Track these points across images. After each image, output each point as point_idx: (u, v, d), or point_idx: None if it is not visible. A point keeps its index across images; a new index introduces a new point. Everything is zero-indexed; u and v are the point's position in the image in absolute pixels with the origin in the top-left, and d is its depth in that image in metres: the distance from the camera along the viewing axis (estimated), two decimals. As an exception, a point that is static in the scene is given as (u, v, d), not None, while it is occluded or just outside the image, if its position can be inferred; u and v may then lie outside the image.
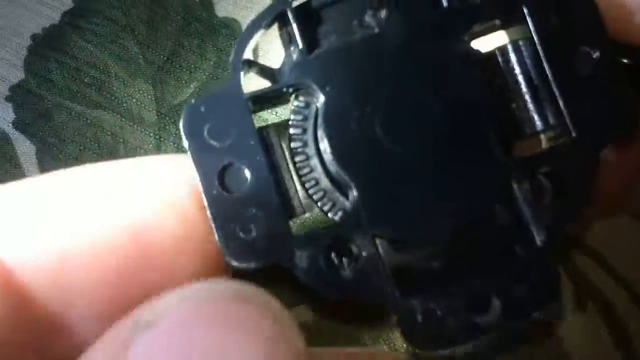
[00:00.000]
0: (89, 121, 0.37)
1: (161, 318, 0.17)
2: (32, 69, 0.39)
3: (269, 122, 0.24)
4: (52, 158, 0.37)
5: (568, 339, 0.34)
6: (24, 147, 0.37)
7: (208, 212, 0.22)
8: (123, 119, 0.37)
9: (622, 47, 0.23)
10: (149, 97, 0.38)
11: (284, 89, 0.23)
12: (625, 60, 0.24)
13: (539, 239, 0.22)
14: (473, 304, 0.21)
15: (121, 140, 0.37)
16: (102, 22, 0.40)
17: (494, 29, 0.24)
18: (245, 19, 0.41)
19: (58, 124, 0.37)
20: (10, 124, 0.37)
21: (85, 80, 0.38)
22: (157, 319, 0.17)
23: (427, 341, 0.22)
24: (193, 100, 0.22)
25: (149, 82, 0.38)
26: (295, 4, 0.23)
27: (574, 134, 0.22)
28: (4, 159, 0.37)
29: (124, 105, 0.38)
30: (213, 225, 0.22)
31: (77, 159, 0.37)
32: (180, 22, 0.35)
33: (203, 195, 0.22)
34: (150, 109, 0.38)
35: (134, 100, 0.38)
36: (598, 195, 0.26)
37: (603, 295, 0.35)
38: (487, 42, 0.24)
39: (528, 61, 0.23)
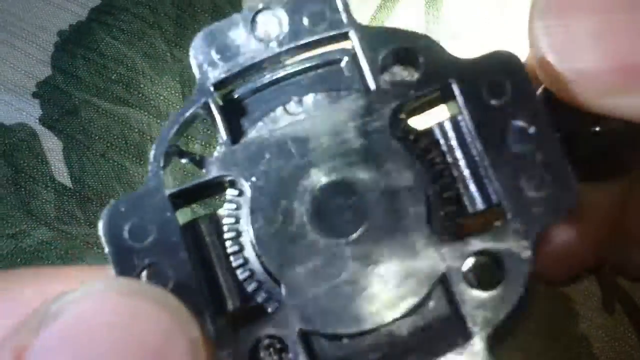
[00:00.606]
0: (116, 118, 0.37)
1: (65, 310, 0.17)
2: (58, 65, 0.39)
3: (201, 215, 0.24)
4: (79, 155, 0.36)
5: (595, 339, 0.34)
6: (51, 144, 0.37)
7: None
8: (150, 116, 0.37)
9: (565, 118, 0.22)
10: (176, 94, 0.38)
11: (208, 184, 0.22)
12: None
13: (473, 330, 0.21)
14: None
15: (148, 138, 0.37)
16: (129, 19, 0.40)
17: (431, 105, 0.23)
18: (272, 18, 0.41)
19: (85, 121, 0.37)
20: (37, 120, 0.37)
21: (113, 77, 0.38)
22: (59, 314, 0.17)
23: None
24: (112, 201, 0.22)
25: (177, 79, 0.38)
26: (217, 93, 0.23)
27: (509, 216, 0.21)
28: (31, 154, 0.37)
29: (152, 102, 0.38)
30: None
31: (104, 156, 0.37)
32: (208, 20, 0.34)
33: None
34: (178, 107, 0.38)
35: (161, 97, 0.38)
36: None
37: (631, 297, 0.35)
38: (428, 119, 0.24)
39: (467, 138, 0.22)
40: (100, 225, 0.22)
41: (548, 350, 0.33)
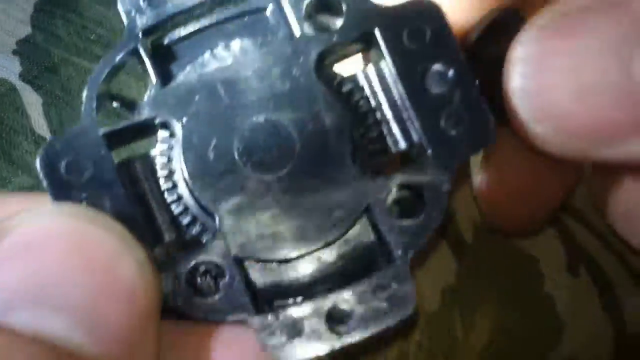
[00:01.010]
0: (94, 76, 0.38)
1: (15, 229, 0.18)
2: (38, 24, 0.39)
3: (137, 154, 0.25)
4: (58, 109, 0.37)
5: (560, 300, 0.35)
6: (31, 98, 0.37)
7: None
8: (129, 76, 0.38)
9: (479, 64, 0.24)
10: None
11: (139, 125, 0.23)
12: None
13: (396, 254, 0.22)
14: (332, 316, 0.22)
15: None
16: (110, -20, 0.40)
17: (355, 52, 0.24)
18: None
19: (64, 78, 0.38)
20: (18, 76, 0.38)
21: (92, 37, 0.39)
22: (13, 229, 0.18)
23: (287, 354, 0.22)
24: (48, 139, 0.23)
25: (156, 41, 0.39)
26: (145, 40, 0.24)
27: (429, 151, 0.22)
28: (12, 107, 0.37)
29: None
30: None
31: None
32: None
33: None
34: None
35: (140, 58, 0.39)
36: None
37: (595, 260, 0.36)
38: (353, 65, 0.25)
39: (389, 82, 0.24)
40: (38, 161, 0.22)
41: (513, 309, 0.34)
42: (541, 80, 0.22)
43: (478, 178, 0.30)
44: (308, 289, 0.23)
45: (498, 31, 0.24)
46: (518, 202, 0.30)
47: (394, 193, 0.23)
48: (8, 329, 0.17)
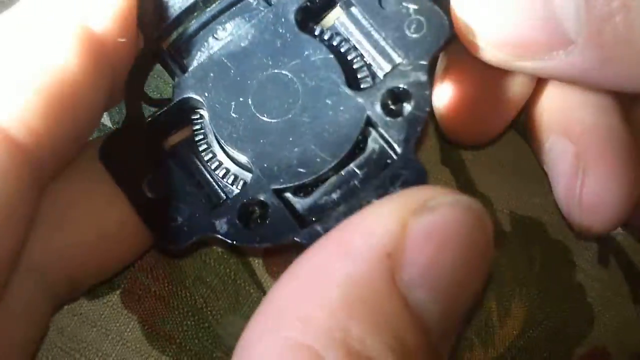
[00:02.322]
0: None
1: (439, 207, 0.21)
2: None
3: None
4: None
5: (591, 290, 0.36)
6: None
7: (139, 216, 0.27)
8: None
9: None
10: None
11: (172, 109, 0.28)
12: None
13: (399, 149, 0.25)
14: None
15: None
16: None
17: (326, 8, 0.29)
18: None
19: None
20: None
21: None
22: (436, 208, 0.21)
23: None
24: (104, 136, 0.28)
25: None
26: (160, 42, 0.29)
27: (400, 59, 0.26)
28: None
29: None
30: (146, 225, 0.27)
31: None
32: None
33: (132, 206, 0.27)
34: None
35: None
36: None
37: (624, 251, 0.37)
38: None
39: (359, 20, 0.28)
40: (99, 155, 0.27)
41: (546, 298, 0.35)
42: None
43: (437, 97, 0.33)
44: (340, 200, 0.26)
45: None
46: (474, 114, 0.33)
47: (383, 97, 0.26)
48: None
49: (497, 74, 0.29)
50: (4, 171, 0.22)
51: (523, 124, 0.36)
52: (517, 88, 0.32)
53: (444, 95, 0.32)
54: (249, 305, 0.33)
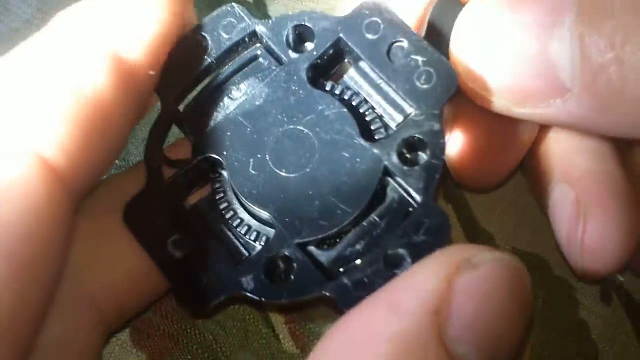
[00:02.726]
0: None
1: (482, 265, 0.22)
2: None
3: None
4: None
5: (594, 326, 0.36)
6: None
7: (166, 277, 0.27)
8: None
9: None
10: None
11: (192, 169, 0.29)
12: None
13: (419, 197, 0.26)
14: (390, 263, 0.25)
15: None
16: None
17: (336, 60, 0.29)
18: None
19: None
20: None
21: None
22: (479, 265, 0.22)
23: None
24: (130, 198, 0.28)
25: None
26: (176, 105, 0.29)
27: (412, 109, 0.27)
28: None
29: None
30: (172, 285, 0.28)
31: None
32: None
33: (158, 267, 0.27)
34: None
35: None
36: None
37: (626, 289, 0.37)
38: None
39: (368, 73, 0.29)
40: (123, 218, 0.28)
41: (550, 334, 0.36)
42: (476, 43, 0.27)
43: (447, 144, 0.34)
44: (364, 250, 0.27)
45: (446, 10, 0.29)
46: (483, 160, 0.34)
47: (399, 147, 0.26)
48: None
49: (504, 119, 0.30)
50: (44, 196, 0.23)
51: (524, 166, 0.37)
52: (524, 132, 0.33)
53: (454, 142, 0.33)
54: (258, 341, 0.34)
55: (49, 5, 0.45)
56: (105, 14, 0.26)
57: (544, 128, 0.33)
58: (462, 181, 0.36)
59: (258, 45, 0.30)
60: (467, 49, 0.28)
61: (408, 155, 0.27)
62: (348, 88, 0.29)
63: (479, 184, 0.36)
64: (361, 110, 0.28)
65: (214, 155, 0.28)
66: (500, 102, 0.28)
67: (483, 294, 0.22)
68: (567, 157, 0.32)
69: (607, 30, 0.24)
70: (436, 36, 0.29)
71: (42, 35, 0.26)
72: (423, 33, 0.30)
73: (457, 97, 0.29)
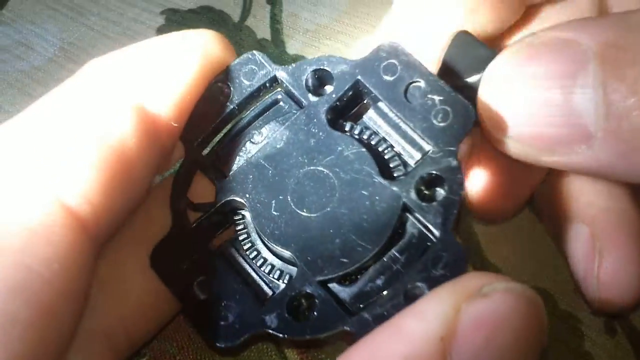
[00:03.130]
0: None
1: (493, 294, 0.22)
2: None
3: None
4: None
5: (598, 357, 0.37)
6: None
7: (190, 319, 0.29)
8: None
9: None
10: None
11: (216, 212, 0.30)
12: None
13: (438, 232, 0.26)
14: (409, 296, 0.26)
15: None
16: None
17: (354, 102, 0.30)
18: (311, 56, 0.46)
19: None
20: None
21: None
22: (490, 294, 0.22)
23: None
24: (156, 243, 0.29)
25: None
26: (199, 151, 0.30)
27: (429, 147, 0.27)
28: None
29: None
30: (197, 326, 0.28)
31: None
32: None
33: (184, 309, 0.28)
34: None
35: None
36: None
37: (630, 321, 0.38)
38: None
39: (386, 113, 0.29)
40: (150, 263, 0.29)
41: None
42: (503, 95, 0.28)
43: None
44: (384, 286, 0.27)
45: (459, 49, 0.30)
46: (498, 196, 0.35)
47: (417, 184, 0.27)
48: None
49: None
50: (66, 244, 0.24)
51: (539, 205, 0.38)
52: (537, 166, 0.34)
53: (474, 178, 0.34)
54: (271, 370, 0.35)
55: (71, 44, 0.47)
56: (135, 66, 0.28)
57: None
58: (479, 214, 0.37)
59: (279, 89, 0.31)
60: (493, 99, 0.28)
61: (427, 192, 0.27)
62: (367, 128, 0.30)
63: (496, 216, 0.38)
64: (380, 149, 0.29)
65: (237, 198, 0.29)
66: (527, 151, 0.28)
67: (493, 323, 0.22)
68: (583, 197, 0.33)
69: (629, 77, 0.25)
70: (451, 74, 0.30)
71: (72, 84, 0.27)
72: (436, 70, 0.31)
73: (473, 135, 0.30)
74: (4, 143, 0.25)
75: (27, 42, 0.47)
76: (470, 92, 0.29)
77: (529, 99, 0.27)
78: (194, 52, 0.28)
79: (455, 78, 0.30)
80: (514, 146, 0.29)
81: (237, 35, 0.47)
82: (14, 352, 0.21)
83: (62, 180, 0.24)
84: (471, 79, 0.30)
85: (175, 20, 0.48)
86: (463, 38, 0.30)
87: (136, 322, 0.30)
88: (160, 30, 0.47)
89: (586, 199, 0.33)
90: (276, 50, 0.46)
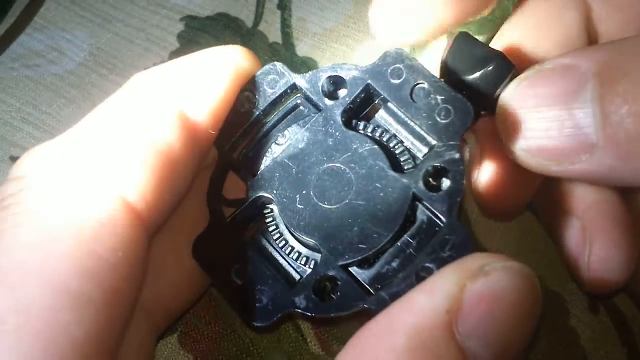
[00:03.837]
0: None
1: (493, 272, 0.25)
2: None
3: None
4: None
5: (583, 333, 0.40)
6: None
7: (229, 303, 0.31)
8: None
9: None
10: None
11: (248, 207, 0.32)
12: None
13: (444, 218, 0.29)
14: (420, 276, 0.28)
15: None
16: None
17: (366, 104, 0.33)
18: (320, 59, 0.49)
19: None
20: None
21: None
22: (491, 272, 0.25)
23: None
24: (197, 237, 0.32)
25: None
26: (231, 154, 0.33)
27: (434, 142, 0.30)
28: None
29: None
30: (234, 308, 0.31)
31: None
32: (267, 62, 0.42)
33: (223, 295, 0.32)
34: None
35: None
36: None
37: (613, 300, 0.41)
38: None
39: (396, 112, 0.32)
40: (192, 254, 0.32)
41: (542, 342, 0.39)
42: (516, 113, 0.31)
43: (475, 178, 0.38)
44: (399, 267, 0.30)
45: (458, 50, 0.32)
46: (505, 194, 0.38)
47: (424, 176, 0.30)
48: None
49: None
50: (128, 235, 0.27)
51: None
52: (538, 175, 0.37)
53: (482, 176, 0.38)
54: (289, 344, 0.38)
55: (99, 49, 0.51)
56: (176, 79, 0.31)
57: None
58: (487, 211, 0.41)
59: (298, 95, 0.34)
60: (508, 117, 0.31)
61: (434, 182, 0.30)
62: (379, 126, 0.32)
63: (501, 213, 0.41)
64: (391, 145, 0.32)
65: (265, 194, 0.32)
66: (538, 162, 0.31)
67: (493, 298, 0.25)
68: (574, 192, 0.36)
69: (622, 90, 0.28)
70: (452, 74, 0.32)
71: (122, 95, 0.30)
72: (439, 70, 0.33)
73: (481, 133, 0.33)
74: (72, 149, 0.28)
75: (58, 47, 0.50)
76: (470, 90, 0.32)
77: (538, 116, 0.30)
78: (227, 66, 0.32)
79: (456, 77, 0.32)
80: (526, 157, 0.31)
81: (251, 40, 0.50)
82: (89, 328, 0.24)
83: (123, 180, 0.27)
84: (471, 77, 0.32)
85: (194, 26, 0.51)
86: (463, 39, 0.32)
87: (171, 300, 0.34)
88: (180, 36, 0.50)
89: (577, 194, 0.36)
90: (287, 53, 0.49)
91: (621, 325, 0.40)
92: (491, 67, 0.31)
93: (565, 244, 0.37)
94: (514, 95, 0.31)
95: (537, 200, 0.41)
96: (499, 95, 0.32)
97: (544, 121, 0.30)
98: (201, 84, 0.31)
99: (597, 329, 0.40)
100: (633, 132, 0.28)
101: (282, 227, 0.32)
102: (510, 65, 0.31)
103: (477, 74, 0.32)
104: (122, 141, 0.28)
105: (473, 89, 0.32)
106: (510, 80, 0.32)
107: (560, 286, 0.41)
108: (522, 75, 0.31)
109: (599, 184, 0.35)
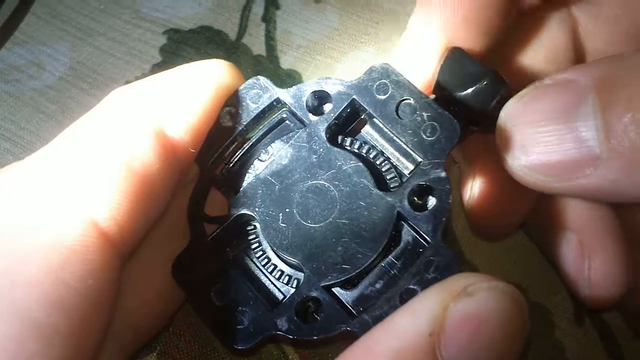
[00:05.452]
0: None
1: (477, 293, 0.25)
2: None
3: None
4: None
5: (568, 346, 0.39)
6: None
7: (207, 325, 0.30)
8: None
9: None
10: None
11: (230, 225, 0.32)
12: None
13: (429, 238, 0.28)
14: (404, 298, 0.28)
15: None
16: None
17: (352, 119, 0.32)
18: (305, 71, 0.49)
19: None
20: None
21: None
22: (475, 293, 0.25)
23: None
24: (177, 256, 0.31)
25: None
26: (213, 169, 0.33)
27: (420, 159, 0.30)
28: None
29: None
30: (213, 331, 0.30)
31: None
32: (251, 74, 0.42)
33: (200, 316, 0.31)
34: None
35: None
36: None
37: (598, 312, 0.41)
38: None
39: (381, 128, 0.31)
40: (172, 274, 0.31)
41: (528, 355, 0.39)
42: (516, 129, 0.30)
43: (467, 196, 0.38)
44: (383, 289, 0.29)
45: (451, 65, 0.32)
46: (498, 213, 0.38)
47: (409, 195, 0.29)
48: None
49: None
50: (101, 262, 0.26)
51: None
52: (532, 194, 0.36)
53: (473, 194, 0.37)
54: (270, 362, 0.38)
55: (80, 64, 0.50)
56: (155, 95, 0.30)
57: None
58: (478, 230, 0.40)
59: (284, 109, 0.33)
60: (509, 134, 0.31)
61: (419, 201, 0.29)
62: (365, 142, 0.32)
63: (494, 232, 0.41)
64: (377, 162, 0.31)
65: (247, 212, 0.31)
66: (541, 179, 0.30)
67: (477, 319, 0.24)
68: (569, 209, 0.36)
69: (623, 99, 0.28)
70: (444, 89, 0.32)
71: (97, 113, 0.29)
72: (432, 85, 0.33)
73: (473, 149, 0.32)
74: (42, 169, 0.27)
75: (39, 62, 0.50)
76: (462, 106, 0.31)
77: (540, 131, 0.30)
78: (208, 81, 0.31)
79: (448, 92, 0.32)
80: (527, 174, 0.31)
81: (235, 53, 0.50)
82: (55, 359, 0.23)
83: (94, 202, 0.26)
84: (464, 93, 0.32)
85: (177, 39, 0.51)
86: (456, 54, 0.32)
87: (140, 320, 0.33)
88: (163, 49, 0.50)
89: (572, 210, 0.36)
90: (270, 66, 0.49)
91: (607, 337, 0.40)
92: (485, 84, 0.31)
93: (562, 259, 0.36)
94: (515, 112, 0.31)
95: (530, 216, 0.40)
96: (492, 111, 0.32)
97: (546, 136, 0.30)
98: (181, 99, 0.30)
99: (583, 340, 0.40)
100: (637, 141, 0.27)
101: (265, 245, 0.32)
102: (503, 82, 0.31)
103: (469, 90, 0.31)
104: (95, 161, 0.27)
105: (465, 105, 0.31)
106: (502, 96, 0.31)
107: (545, 298, 0.41)
108: (522, 92, 0.31)
109: (598, 200, 0.35)
